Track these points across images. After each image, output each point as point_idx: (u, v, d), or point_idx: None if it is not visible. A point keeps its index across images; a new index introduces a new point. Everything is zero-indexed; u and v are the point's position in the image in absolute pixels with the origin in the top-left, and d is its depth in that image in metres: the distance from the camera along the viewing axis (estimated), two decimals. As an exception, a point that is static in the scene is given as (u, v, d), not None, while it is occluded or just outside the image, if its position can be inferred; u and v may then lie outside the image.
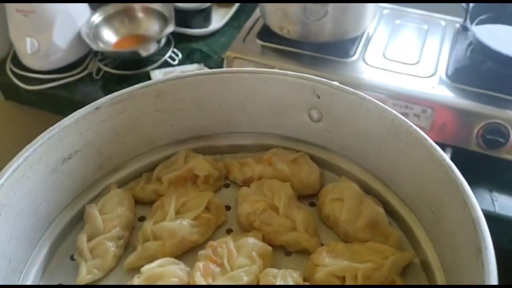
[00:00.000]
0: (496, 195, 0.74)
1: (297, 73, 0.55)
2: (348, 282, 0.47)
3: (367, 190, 0.56)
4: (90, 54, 0.92)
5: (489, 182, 0.77)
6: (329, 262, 0.48)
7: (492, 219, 0.71)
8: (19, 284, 0.49)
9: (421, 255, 0.51)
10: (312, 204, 0.59)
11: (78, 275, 0.51)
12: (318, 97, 0.55)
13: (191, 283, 0.48)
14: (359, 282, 0.47)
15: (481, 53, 0.83)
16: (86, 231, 0.54)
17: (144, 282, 0.48)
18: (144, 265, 0.49)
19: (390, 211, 0.55)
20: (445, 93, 0.78)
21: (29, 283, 0.50)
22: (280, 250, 0.54)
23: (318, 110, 0.57)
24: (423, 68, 0.82)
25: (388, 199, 0.55)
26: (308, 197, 0.59)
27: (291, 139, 0.62)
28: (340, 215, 0.53)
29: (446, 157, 0.45)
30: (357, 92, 0.52)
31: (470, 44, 0.87)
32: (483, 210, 0.69)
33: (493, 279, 0.36)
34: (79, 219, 0.56)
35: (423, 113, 0.77)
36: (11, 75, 0.91)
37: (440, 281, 0.47)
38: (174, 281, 0.48)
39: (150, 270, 0.48)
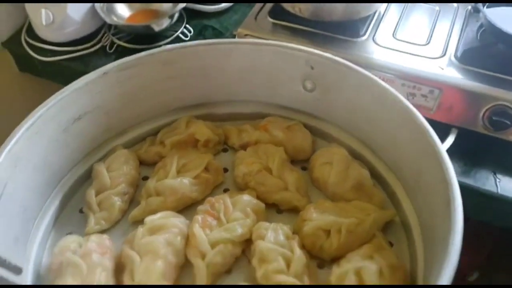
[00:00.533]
0: (499, 176, 0.74)
1: (292, 45, 0.59)
2: (333, 235, 0.52)
3: (355, 155, 0.61)
4: (104, 28, 0.94)
5: (493, 163, 0.77)
6: (316, 217, 0.53)
7: (495, 200, 0.73)
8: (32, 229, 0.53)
9: (401, 214, 0.55)
10: (304, 169, 0.63)
11: (86, 225, 0.55)
12: (312, 68, 0.59)
13: (190, 234, 0.52)
14: (343, 236, 0.51)
15: (492, 35, 0.81)
16: (94, 187, 0.58)
17: (148, 232, 0.52)
18: (147, 218, 0.54)
19: (375, 174, 0.59)
20: (453, 74, 0.76)
21: (41, 231, 0.54)
22: (273, 208, 0.58)
23: (311, 81, 0.61)
24: (433, 49, 0.82)
25: (374, 164, 0.60)
26: (301, 162, 0.63)
27: (286, 108, 0.66)
28: (329, 177, 0.58)
29: (426, 123, 0.49)
30: (348, 63, 0.56)
31: (481, 26, 0.85)
32: (486, 191, 0.73)
33: (458, 228, 0.40)
34: (87, 176, 0.61)
35: (431, 93, 0.77)
36: (26, 46, 0.93)
37: (417, 236, 0.52)
38: (174, 231, 0.52)
39: (153, 221, 0.53)
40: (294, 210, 0.57)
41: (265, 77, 0.64)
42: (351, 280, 0.47)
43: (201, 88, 0.65)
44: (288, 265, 0.49)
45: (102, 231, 0.55)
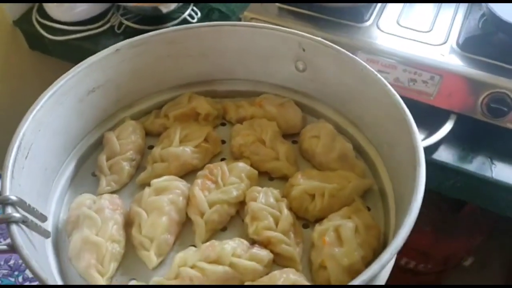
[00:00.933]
0: (495, 162, 0.78)
1: (286, 28, 0.65)
2: (317, 198, 0.59)
3: (340, 130, 0.67)
4: (113, 8, 0.98)
5: (490, 149, 0.80)
6: (303, 183, 0.60)
7: (489, 184, 0.77)
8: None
9: (379, 184, 0.62)
10: (294, 142, 0.69)
11: (99, 186, 0.62)
12: (303, 50, 0.65)
13: (191, 195, 0.59)
14: (326, 199, 0.58)
15: (493, 24, 0.83)
16: (105, 153, 0.65)
17: (154, 192, 0.59)
18: (152, 182, 0.60)
19: (357, 147, 0.66)
20: (454, 61, 0.78)
21: (59, 190, 0.61)
22: (265, 176, 0.65)
23: (303, 62, 0.67)
24: (435, 36, 0.84)
25: (357, 138, 0.66)
26: (292, 135, 0.70)
27: (280, 86, 0.72)
28: (316, 148, 0.64)
29: (401, 100, 0.56)
30: (335, 46, 0.62)
31: (483, 15, 0.87)
32: (481, 175, 0.77)
33: (421, 188, 0.47)
34: (99, 143, 0.67)
35: (431, 79, 0.78)
36: (36, 25, 0.99)
37: (391, 202, 0.59)
38: (177, 192, 0.59)
39: (159, 183, 0.60)
40: (284, 178, 0.64)
41: (261, 58, 0.70)
42: (331, 236, 0.54)
43: (203, 66, 0.71)
44: (276, 223, 0.56)
45: (112, 192, 0.62)
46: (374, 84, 0.59)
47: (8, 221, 0.44)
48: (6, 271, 0.76)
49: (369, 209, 0.60)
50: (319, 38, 0.64)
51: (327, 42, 0.63)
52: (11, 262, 0.77)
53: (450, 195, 0.83)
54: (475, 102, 0.78)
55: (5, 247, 0.44)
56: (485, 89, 0.77)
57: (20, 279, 0.75)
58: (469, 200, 0.87)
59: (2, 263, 0.76)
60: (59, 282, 0.50)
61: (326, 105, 0.69)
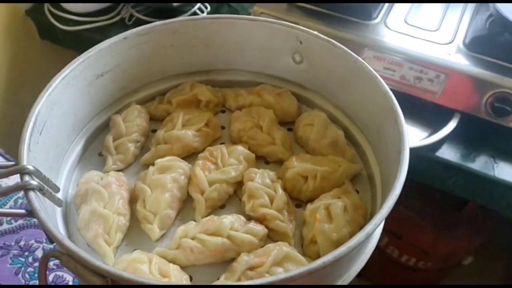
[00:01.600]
0: (497, 161, 0.79)
1: (284, 22, 0.69)
2: (310, 180, 0.63)
3: (333, 119, 0.72)
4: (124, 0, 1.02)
5: (492, 148, 0.82)
6: (297, 165, 0.64)
7: (491, 182, 0.79)
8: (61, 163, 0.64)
9: (368, 170, 0.67)
10: (289, 130, 0.74)
11: (105, 164, 0.66)
12: (301, 42, 0.70)
13: (192, 175, 0.63)
14: (318, 181, 0.63)
15: (500, 24, 0.84)
16: (112, 134, 0.68)
17: (157, 170, 0.63)
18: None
19: (349, 135, 0.70)
20: (460, 61, 0.79)
21: (68, 166, 0.65)
22: (261, 160, 0.69)
23: (300, 54, 0.71)
24: (442, 35, 0.85)
25: (348, 127, 0.71)
26: (287, 123, 0.74)
27: (277, 78, 0.76)
28: (310, 135, 0.69)
29: (389, 90, 0.60)
30: (330, 39, 0.67)
31: (490, 15, 0.89)
32: (482, 173, 0.80)
33: (404, 170, 0.51)
34: (105, 126, 0.71)
35: (437, 78, 0.79)
36: (48, 15, 1.01)
37: (378, 187, 0.63)
38: (179, 171, 0.63)
39: (162, 162, 0.64)
40: (279, 162, 0.68)
41: (260, 50, 0.74)
42: (322, 213, 0.58)
43: (205, 57, 0.75)
44: (271, 201, 0.60)
45: (118, 170, 0.66)
46: (365, 75, 0.63)
47: (26, 188, 0.48)
48: (16, 251, 0.79)
49: (358, 192, 0.65)
50: (316, 32, 0.68)
51: (323, 35, 0.67)
52: (22, 243, 0.80)
53: (451, 192, 0.86)
54: (480, 101, 0.79)
55: (23, 211, 0.48)
56: (490, 89, 0.78)
57: (30, 259, 0.78)
58: (470, 198, 0.89)
59: (13, 243, 0.80)
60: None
61: (320, 95, 0.74)
